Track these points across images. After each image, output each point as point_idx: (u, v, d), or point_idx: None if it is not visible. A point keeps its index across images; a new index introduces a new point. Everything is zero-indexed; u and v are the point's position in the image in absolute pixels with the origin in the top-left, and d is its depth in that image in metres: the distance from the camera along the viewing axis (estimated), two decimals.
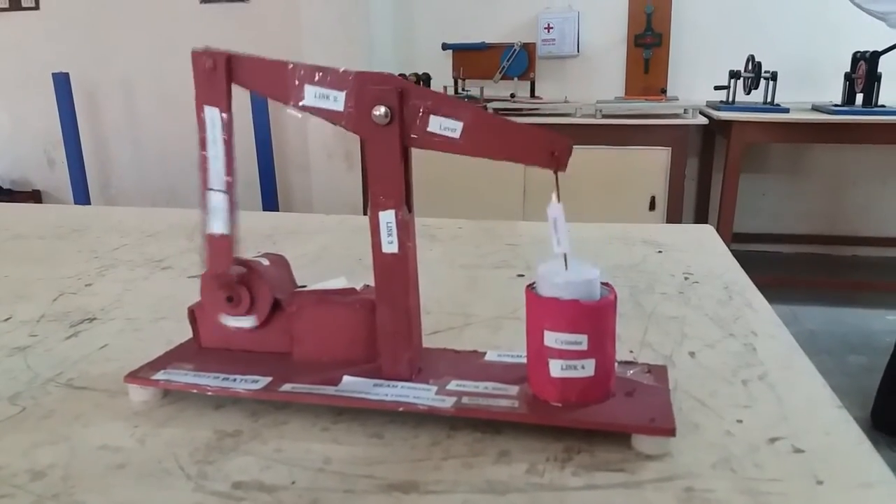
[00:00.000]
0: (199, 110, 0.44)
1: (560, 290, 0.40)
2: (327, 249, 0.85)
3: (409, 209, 0.44)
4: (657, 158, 2.68)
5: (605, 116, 2.73)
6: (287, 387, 0.44)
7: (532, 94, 3.17)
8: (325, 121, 0.43)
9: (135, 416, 0.44)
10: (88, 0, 3.58)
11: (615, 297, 0.42)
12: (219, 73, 0.43)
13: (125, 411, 0.45)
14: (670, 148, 2.68)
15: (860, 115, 2.59)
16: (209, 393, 0.44)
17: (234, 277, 0.47)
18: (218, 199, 0.46)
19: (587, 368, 0.41)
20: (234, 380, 0.45)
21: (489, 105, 2.81)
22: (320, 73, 0.42)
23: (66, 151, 3.32)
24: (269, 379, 0.45)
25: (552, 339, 0.41)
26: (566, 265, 0.41)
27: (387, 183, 0.42)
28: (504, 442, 0.41)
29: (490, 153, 0.41)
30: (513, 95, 3.09)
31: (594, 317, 0.40)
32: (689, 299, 0.65)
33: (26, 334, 0.58)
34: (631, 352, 0.53)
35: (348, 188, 3.11)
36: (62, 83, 3.23)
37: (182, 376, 0.45)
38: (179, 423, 0.43)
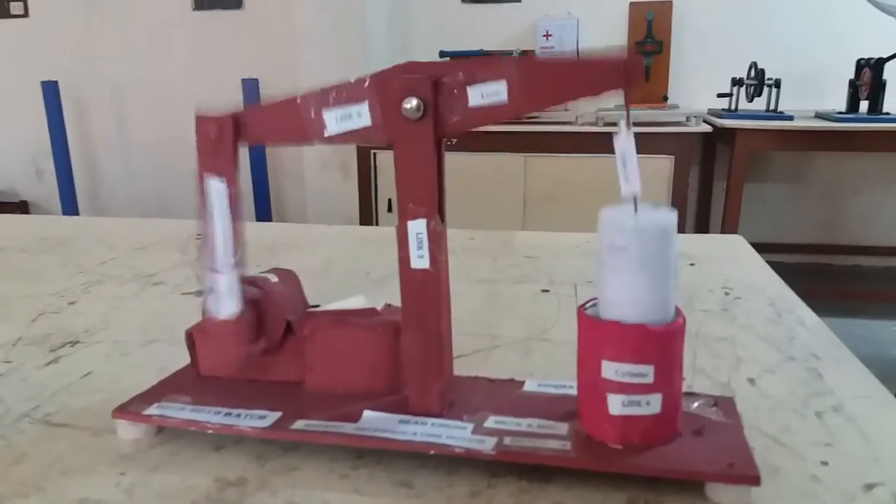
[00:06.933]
0: (201, 180, 0.38)
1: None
2: (332, 262, 0.79)
3: (442, 218, 0.38)
4: (660, 167, 2.64)
5: (606, 125, 2.68)
6: (299, 424, 0.38)
7: None
8: (358, 144, 0.37)
9: (122, 460, 0.38)
10: (78, 7, 3.52)
11: (684, 319, 0.36)
12: (225, 140, 0.37)
13: (111, 454, 0.39)
14: (673, 157, 2.63)
15: (865, 123, 2.55)
16: (210, 431, 0.38)
17: (255, 354, 0.41)
18: (223, 282, 0.40)
19: (653, 405, 0.35)
20: (238, 415, 0.39)
21: None
22: (334, 93, 0.36)
23: (55, 161, 3.25)
24: (279, 414, 0.39)
25: (612, 370, 0.35)
26: (636, 208, 0.35)
27: (418, 187, 0.36)
28: (555, 492, 0.35)
29: (546, 101, 0.35)
30: None
31: (663, 344, 0.35)
32: (735, 317, 0.59)
33: (0, 360, 0.52)
34: (684, 379, 0.47)
35: (344, 199, 3.04)
36: (51, 92, 3.16)
37: (178, 411, 0.39)
38: (174, 469, 0.37)
